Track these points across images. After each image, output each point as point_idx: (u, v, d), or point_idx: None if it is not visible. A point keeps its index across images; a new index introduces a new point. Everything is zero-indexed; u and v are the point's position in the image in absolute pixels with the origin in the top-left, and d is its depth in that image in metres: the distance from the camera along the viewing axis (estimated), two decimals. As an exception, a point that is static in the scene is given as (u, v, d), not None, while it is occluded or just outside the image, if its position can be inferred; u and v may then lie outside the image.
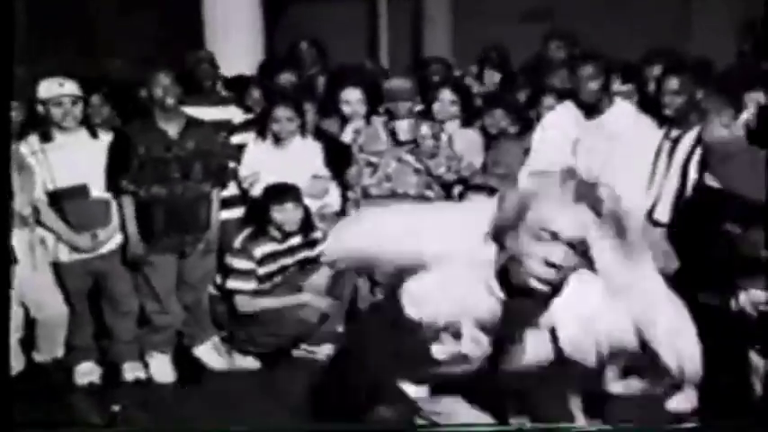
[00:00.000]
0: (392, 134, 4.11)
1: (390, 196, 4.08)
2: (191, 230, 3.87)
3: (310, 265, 4.05)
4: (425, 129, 4.12)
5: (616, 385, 3.41)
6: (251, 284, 3.90)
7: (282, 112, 4.09)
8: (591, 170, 3.52)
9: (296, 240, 4.00)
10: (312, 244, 4.03)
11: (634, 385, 3.40)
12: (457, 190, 4.19)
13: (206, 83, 4.49)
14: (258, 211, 4.00)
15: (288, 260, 4.01)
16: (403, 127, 4.08)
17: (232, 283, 3.91)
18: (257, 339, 3.96)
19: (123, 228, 3.77)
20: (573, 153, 3.67)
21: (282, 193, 3.92)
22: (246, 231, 4.00)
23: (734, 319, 3.00)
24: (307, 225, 4.00)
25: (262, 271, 3.92)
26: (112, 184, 3.73)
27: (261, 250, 3.91)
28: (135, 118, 3.94)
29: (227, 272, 3.93)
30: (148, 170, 3.74)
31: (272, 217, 3.89)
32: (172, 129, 3.80)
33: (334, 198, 4.26)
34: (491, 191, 4.00)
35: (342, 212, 4.19)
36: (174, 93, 3.78)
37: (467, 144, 4.25)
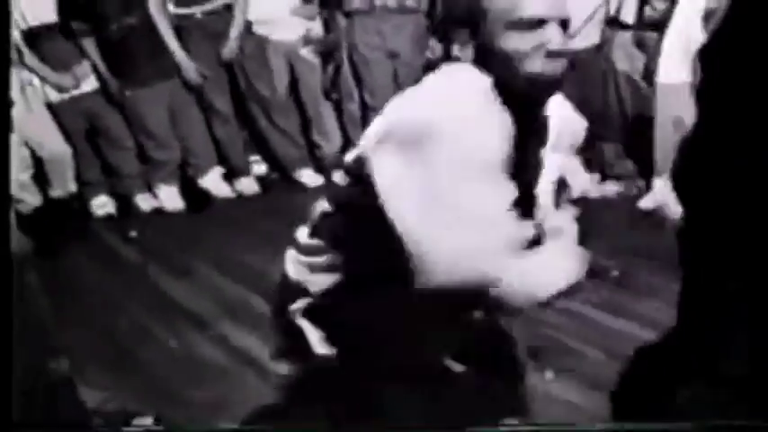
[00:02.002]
0: None
1: (371, 10, 4.04)
2: (165, 55, 3.88)
3: None
4: None
5: (595, 190, 3.77)
6: None
7: None
8: None
9: None
10: None
11: (610, 188, 3.76)
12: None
13: None
14: None
15: None
16: None
17: None
18: None
19: (96, 70, 3.83)
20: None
21: None
22: None
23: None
24: None
25: None
26: (69, 26, 3.74)
27: None
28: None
29: None
30: (103, 5, 3.74)
31: None
32: None
33: (317, 23, 4.29)
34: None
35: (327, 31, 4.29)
36: None
37: None
